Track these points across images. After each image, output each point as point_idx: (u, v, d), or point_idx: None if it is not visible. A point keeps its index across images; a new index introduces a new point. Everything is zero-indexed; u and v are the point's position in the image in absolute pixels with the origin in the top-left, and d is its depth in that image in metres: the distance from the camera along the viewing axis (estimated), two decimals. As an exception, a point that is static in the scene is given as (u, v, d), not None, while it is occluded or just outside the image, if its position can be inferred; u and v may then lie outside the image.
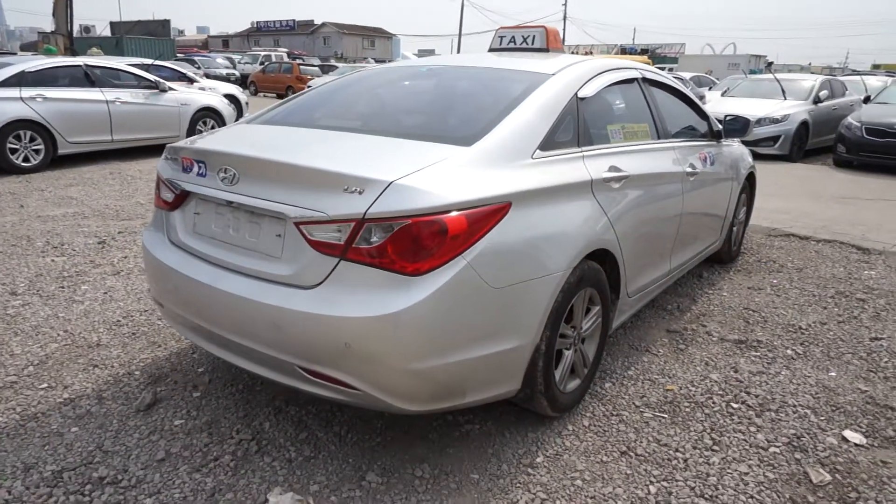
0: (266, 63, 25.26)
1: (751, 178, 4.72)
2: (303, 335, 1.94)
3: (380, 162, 2.04)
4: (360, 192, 1.87)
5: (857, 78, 14.85)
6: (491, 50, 3.68)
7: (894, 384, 2.96)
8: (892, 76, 21.37)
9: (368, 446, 2.37)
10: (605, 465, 2.31)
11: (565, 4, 59.24)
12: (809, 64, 69.32)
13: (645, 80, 3.35)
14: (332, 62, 32.78)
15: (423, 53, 68.19)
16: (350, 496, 2.11)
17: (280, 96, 22.37)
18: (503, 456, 2.34)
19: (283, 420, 2.53)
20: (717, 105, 10.80)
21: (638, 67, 3.35)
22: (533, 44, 3.47)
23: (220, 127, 10.31)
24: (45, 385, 2.75)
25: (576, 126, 2.58)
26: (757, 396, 2.80)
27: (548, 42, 3.41)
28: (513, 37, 3.56)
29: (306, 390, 2.09)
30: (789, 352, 3.28)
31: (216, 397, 2.69)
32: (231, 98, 12.01)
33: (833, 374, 3.05)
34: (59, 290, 3.81)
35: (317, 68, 23.72)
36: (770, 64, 32.86)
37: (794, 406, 2.74)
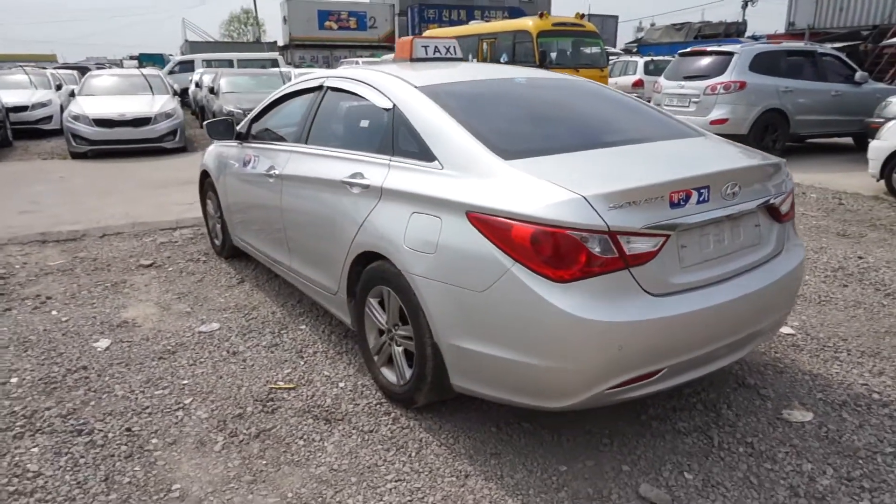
0: None
1: None
2: (795, 288, 2.69)
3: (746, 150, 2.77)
4: (783, 171, 2.66)
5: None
6: (415, 59, 3.74)
7: None
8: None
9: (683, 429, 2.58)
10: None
11: None
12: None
13: None
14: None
15: None
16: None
17: None
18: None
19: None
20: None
21: None
22: (455, 54, 3.88)
23: None
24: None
25: None
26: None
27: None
28: (435, 47, 3.82)
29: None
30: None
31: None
32: None
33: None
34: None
35: None
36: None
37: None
